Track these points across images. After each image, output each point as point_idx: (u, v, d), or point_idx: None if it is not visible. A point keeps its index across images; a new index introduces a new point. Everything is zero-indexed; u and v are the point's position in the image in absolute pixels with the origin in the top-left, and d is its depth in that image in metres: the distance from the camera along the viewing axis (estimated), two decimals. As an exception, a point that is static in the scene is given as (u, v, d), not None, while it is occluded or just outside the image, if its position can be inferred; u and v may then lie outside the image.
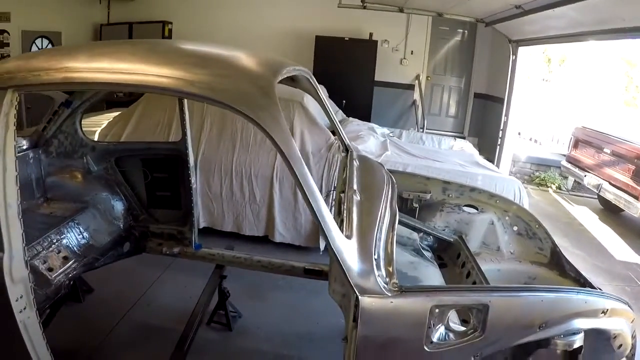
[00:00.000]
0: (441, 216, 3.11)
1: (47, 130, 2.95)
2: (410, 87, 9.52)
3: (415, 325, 1.73)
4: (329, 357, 3.00)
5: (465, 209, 3.12)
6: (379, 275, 1.75)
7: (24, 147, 2.86)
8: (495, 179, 4.58)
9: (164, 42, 2.48)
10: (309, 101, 4.72)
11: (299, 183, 1.68)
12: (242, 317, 3.49)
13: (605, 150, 6.74)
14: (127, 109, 4.99)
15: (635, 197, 5.94)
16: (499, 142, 7.44)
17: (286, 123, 1.72)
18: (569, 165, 7.53)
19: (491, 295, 1.78)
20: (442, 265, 2.95)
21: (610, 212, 7.26)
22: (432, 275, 2.67)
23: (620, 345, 2.07)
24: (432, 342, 1.76)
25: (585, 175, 6.98)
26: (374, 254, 1.83)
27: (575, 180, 7.66)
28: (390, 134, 5.97)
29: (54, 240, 2.62)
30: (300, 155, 1.71)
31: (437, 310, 1.75)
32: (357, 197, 2.20)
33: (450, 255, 3.02)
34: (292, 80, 2.86)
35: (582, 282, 2.70)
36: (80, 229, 2.84)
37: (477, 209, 3.11)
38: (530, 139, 11.15)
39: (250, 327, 3.43)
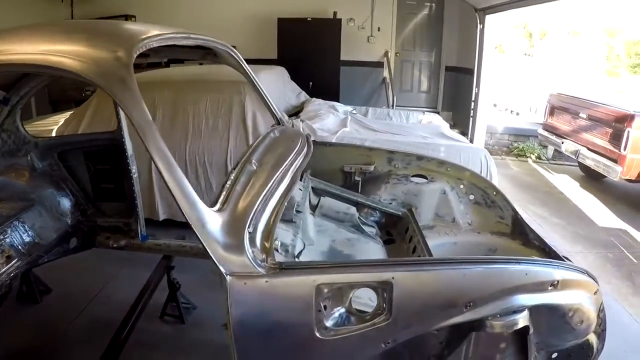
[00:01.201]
0: (386, 189, 2.81)
1: None
2: (380, 64, 9.26)
3: (300, 308, 1.49)
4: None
5: (414, 179, 2.84)
6: (252, 252, 1.50)
7: None
8: (460, 148, 4.31)
9: (67, 22, 2.39)
10: (261, 82, 4.49)
11: (147, 148, 1.52)
12: (196, 308, 3.40)
13: (581, 115, 6.50)
14: (82, 106, 4.87)
15: (614, 161, 5.69)
16: (471, 114, 7.19)
17: (138, 89, 1.57)
18: (545, 133, 7.30)
19: (394, 271, 1.49)
20: (390, 242, 2.68)
21: (591, 178, 7.05)
22: (372, 252, 2.41)
23: (582, 322, 1.76)
24: (326, 327, 1.50)
25: (562, 142, 6.76)
26: (248, 227, 1.58)
27: (555, 149, 7.45)
28: (353, 111, 5.66)
29: None
30: (151, 120, 1.58)
31: (326, 290, 1.48)
32: (251, 167, 1.99)
33: (399, 230, 2.73)
34: (215, 56, 2.72)
35: (547, 251, 2.42)
36: (25, 227, 2.80)
37: (427, 178, 2.84)
38: (506, 110, 10.95)
39: (204, 318, 3.32)
